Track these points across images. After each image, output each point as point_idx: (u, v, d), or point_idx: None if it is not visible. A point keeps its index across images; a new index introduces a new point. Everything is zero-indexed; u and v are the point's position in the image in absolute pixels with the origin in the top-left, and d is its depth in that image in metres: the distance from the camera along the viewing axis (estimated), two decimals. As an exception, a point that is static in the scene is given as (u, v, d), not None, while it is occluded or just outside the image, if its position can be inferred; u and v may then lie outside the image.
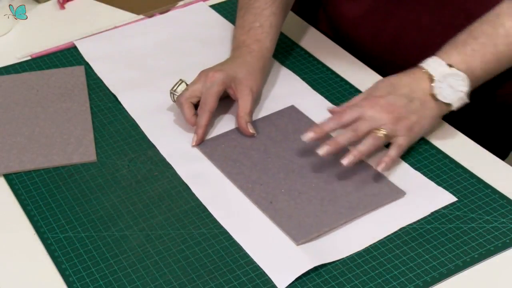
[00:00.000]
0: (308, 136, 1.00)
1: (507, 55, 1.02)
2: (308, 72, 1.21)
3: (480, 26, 1.03)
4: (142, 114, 1.14)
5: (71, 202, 0.99)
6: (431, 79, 1.01)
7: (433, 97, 1.01)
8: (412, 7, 1.16)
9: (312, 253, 0.90)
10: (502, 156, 1.25)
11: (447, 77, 1.00)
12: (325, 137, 1.00)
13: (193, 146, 1.07)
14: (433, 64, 1.02)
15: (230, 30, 1.32)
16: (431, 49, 1.04)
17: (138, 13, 1.38)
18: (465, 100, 1.02)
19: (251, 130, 1.07)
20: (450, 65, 1.01)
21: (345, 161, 0.97)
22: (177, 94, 1.11)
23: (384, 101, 1.00)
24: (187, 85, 1.11)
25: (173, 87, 1.12)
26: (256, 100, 1.13)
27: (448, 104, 1.02)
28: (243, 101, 1.08)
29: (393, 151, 0.99)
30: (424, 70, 1.02)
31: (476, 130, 1.16)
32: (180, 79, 1.12)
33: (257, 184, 1.00)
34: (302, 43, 1.28)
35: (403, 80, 1.03)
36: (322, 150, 0.98)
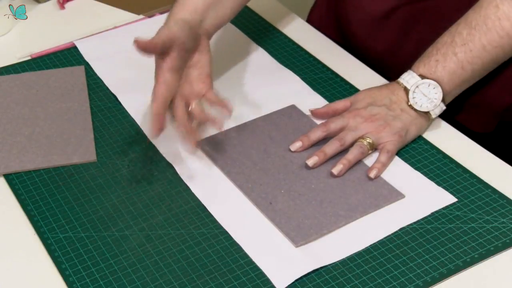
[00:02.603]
0: (296, 146, 1.05)
1: (470, 62, 1.05)
2: (308, 72, 1.21)
3: (442, 37, 1.08)
4: (142, 114, 1.14)
5: (71, 202, 0.99)
6: (406, 90, 1.06)
7: (411, 107, 1.06)
8: (431, 22, 1.18)
9: (311, 255, 0.90)
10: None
11: (419, 87, 1.05)
12: (311, 146, 1.05)
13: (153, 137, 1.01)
14: (406, 77, 1.07)
15: (230, 31, 1.32)
16: None
17: (138, 13, 1.38)
18: (443, 107, 1.07)
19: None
20: (421, 76, 1.06)
21: (335, 170, 1.01)
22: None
23: (366, 112, 1.05)
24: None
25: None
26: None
27: (427, 113, 1.06)
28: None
29: (382, 157, 1.02)
30: (399, 83, 1.07)
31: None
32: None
33: (257, 184, 1.00)
34: (303, 43, 1.28)
35: (383, 92, 1.08)
36: (311, 161, 1.02)
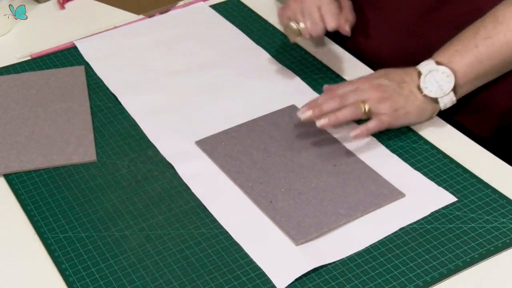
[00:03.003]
0: (307, 114, 1.04)
1: (490, 56, 1.05)
2: (308, 72, 1.21)
3: (466, 29, 1.08)
4: (142, 114, 1.14)
5: (71, 202, 0.99)
6: (419, 74, 1.06)
7: (420, 90, 1.05)
8: (438, 26, 1.18)
9: (312, 254, 0.90)
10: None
11: (432, 72, 1.05)
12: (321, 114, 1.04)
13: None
14: (423, 63, 1.07)
15: (230, 30, 1.32)
16: None
17: (138, 13, 1.38)
18: (452, 98, 1.06)
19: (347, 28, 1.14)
20: (438, 63, 1.06)
21: (320, 122, 1.02)
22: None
23: (375, 81, 1.06)
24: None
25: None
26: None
27: (435, 100, 1.05)
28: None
29: (372, 123, 1.04)
30: (416, 68, 1.07)
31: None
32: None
33: (257, 183, 1.00)
34: (303, 44, 1.28)
35: (398, 72, 1.08)
36: (305, 115, 1.03)
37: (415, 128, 1.09)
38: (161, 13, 1.38)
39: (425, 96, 1.05)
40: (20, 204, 1.00)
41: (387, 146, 1.06)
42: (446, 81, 1.04)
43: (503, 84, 1.13)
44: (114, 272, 0.90)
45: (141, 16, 1.38)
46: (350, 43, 1.27)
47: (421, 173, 1.02)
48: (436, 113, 1.08)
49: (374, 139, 1.07)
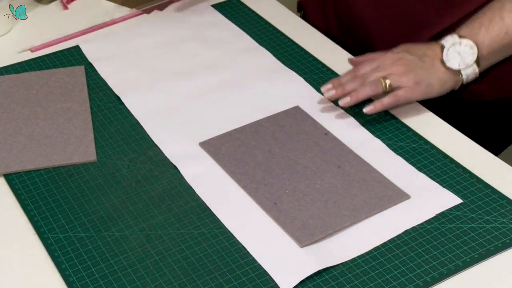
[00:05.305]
0: (330, 93, 1.09)
1: None
2: (308, 73, 1.21)
3: (490, 4, 1.09)
4: (145, 114, 1.13)
5: (71, 202, 0.99)
6: (442, 48, 1.08)
7: (443, 63, 1.07)
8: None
9: (317, 256, 0.90)
10: (497, 151, 1.29)
11: (455, 45, 1.07)
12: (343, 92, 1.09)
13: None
14: (447, 38, 1.09)
15: (233, 31, 1.32)
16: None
17: (138, 8, 1.38)
18: (475, 69, 1.08)
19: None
20: (462, 37, 1.07)
21: (343, 101, 1.06)
22: None
23: (397, 56, 1.08)
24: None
25: None
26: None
27: (457, 73, 1.07)
28: None
29: (387, 99, 1.06)
30: (439, 42, 1.09)
31: (472, 126, 1.20)
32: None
33: (261, 184, 1.00)
34: (304, 44, 1.28)
35: (419, 46, 1.11)
36: (328, 94, 1.09)
37: (415, 128, 1.09)
38: (161, 8, 1.38)
39: (448, 68, 1.07)
40: (20, 204, 1.00)
41: (388, 146, 1.06)
42: (469, 53, 1.06)
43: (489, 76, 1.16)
44: (114, 272, 0.90)
45: (140, 11, 1.38)
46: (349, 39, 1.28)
47: (422, 173, 1.02)
48: (458, 86, 1.10)
49: (379, 141, 1.07)
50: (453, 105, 1.22)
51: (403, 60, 1.07)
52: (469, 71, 1.07)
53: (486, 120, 1.28)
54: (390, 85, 1.05)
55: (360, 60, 1.13)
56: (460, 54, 1.06)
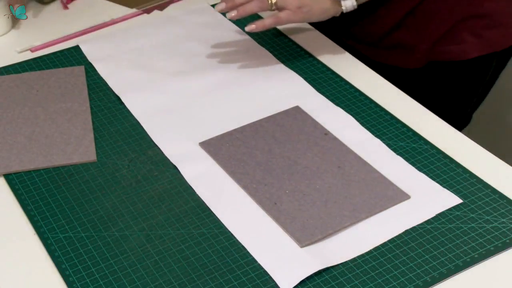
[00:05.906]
0: (220, 7, 1.17)
1: None
2: (309, 73, 1.21)
3: None
4: (145, 114, 1.13)
5: (71, 202, 0.99)
6: None
7: None
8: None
9: (317, 256, 0.90)
10: (462, 123, 1.39)
11: None
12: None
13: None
14: None
15: (233, 31, 1.32)
16: None
17: (138, 8, 1.38)
18: (353, 2, 1.17)
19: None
20: None
21: (230, 15, 1.15)
22: None
23: None
24: None
25: None
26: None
27: (338, 3, 1.17)
28: None
29: (268, 20, 1.16)
30: None
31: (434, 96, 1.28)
32: None
33: (262, 184, 1.00)
34: (305, 45, 1.28)
35: None
36: (218, 7, 1.17)
37: (415, 128, 1.09)
38: (161, 8, 1.38)
39: None
40: (20, 204, 1.00)
41: (388, 146, 1.06)
42: None
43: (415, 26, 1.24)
44: (114, 272, 0.90)
45: (140, 10, 1.38)
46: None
47: (421, 173, 1.02)
48: (338, 15, 1.19)
49: (379, 140, 1.07)
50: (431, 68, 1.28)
51: None
52: (348, 3, 1.17)
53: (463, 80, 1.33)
54: (275, 3, 1.14)
55: None
56: None
